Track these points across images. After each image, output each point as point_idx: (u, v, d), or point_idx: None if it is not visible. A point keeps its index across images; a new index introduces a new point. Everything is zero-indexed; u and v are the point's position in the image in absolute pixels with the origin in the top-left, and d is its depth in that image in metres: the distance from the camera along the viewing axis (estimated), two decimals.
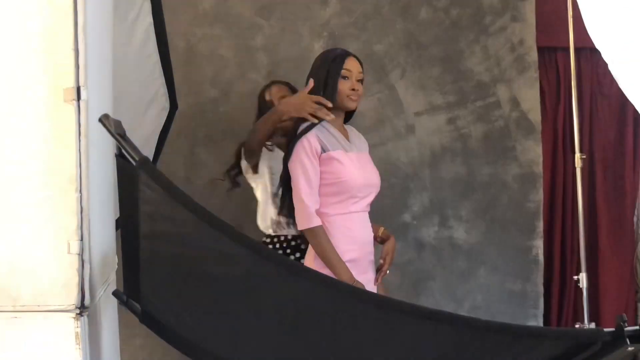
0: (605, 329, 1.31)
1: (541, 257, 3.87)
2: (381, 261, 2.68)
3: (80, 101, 1.47)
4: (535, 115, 3.84)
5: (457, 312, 3.73)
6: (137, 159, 1.34)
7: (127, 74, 2.70)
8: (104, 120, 1.37)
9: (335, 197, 2.54)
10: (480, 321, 1.38)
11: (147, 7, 2.72)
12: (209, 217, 1.29)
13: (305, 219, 2.48)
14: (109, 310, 1.96)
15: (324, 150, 2.53)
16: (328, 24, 3.70)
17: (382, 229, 2.75)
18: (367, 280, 2.58)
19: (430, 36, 3.77)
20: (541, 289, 3.89)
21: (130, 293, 1.65)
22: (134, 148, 1.33)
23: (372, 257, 2.66)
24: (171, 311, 1.61)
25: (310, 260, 2.54)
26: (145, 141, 2.98)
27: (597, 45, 2.76)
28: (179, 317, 1.61)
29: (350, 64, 2.61)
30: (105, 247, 1.87)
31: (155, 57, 2.89)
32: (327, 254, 2.46)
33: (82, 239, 1.49)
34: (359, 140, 2.77)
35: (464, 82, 3.80)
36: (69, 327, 1.48)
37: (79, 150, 1.48)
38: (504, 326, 1.36)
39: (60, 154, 1.48)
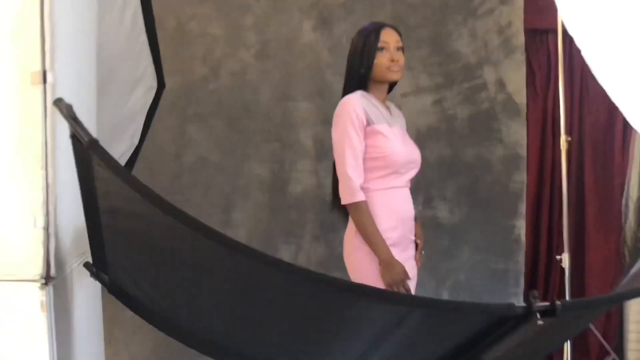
0: (518, 304, 1.41)
1: (523, 237, 3.94)
2: (417, 241, 2.65)
3: (47, 84, 1.57)
4: (520, 97, 3.90)
5: (439, 290, 3.85)
6: (86, 139, 1.43)
7: (117, 55, 2.80)
8: (57, 104, 1.47)
9: (377, 171, 2.50)
10: (403, 296, 1.47)
11: None
12: (152, 196, 1.38)
13: (350, 193, 2.44)
14: (85, 282, 2.07)
15: (369, 123, 2.49)
16: (317, 4, 3.76)
17: None
18: (407, 257, 2.56)
19: (418, 18, 3.82)
20: (522, 268, 3.97)
21: (98, 265, 1.75)
22: (84, 130, 1.42)
23: (412, 235, 2.63)
24: (134, 282, 1.72)
25: (351, 236, 2.51)
26: (132, 118, 3.08)
27: (570, 32, 2.81)
28: (141, 288, 1.71)
29: (386, 36, 2.57)
30: (80, 221, 1.97)
31: (143, 37, 2.98)
32: (369, 231, 2.42)
33: (47, 214, 1.59)
34: (399, 116, 2.74)
35: (451, 63, 3.85)
36: (36, 296, 1.59)
37: (45, 130, 1.57)
38: (418, 299, 1.44)
39: (27, 134, 1.58)
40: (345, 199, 2.47)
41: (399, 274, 2.42)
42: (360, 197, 2.44)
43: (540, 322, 1.37)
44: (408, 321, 1.44)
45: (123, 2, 2.77)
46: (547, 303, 1.38)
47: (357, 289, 1.45)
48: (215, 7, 3.71)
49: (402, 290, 2.42)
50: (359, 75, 2.57)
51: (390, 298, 1.50)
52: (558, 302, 1.39)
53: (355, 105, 2.48)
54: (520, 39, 3.88)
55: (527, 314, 1.39)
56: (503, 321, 1.43)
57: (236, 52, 3.72)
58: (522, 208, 3.92)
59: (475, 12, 3.84)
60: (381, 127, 2.51)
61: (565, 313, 1.41)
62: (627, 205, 4.50)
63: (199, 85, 3.72)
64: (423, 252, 2.69)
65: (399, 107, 2.80)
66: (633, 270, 2.34)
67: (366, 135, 2.49)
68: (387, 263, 2.42)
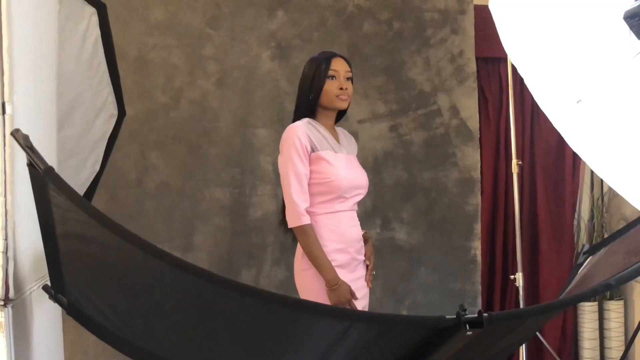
0: (447, 316, 1.52)
1: (479, 258, 4.06)
2: (367, 262, 2.74)
3: (5, 115, 1.64)
4: (473, 123, 4.05)
5: (399, 309, 3.95)
6: (42, 167, 1.51)
7: (79, 84, 2.88)
8: (14, 134, 1.54)
9: (323, 196, 2.60)
10: (341, 310, 1.56)
11: (95, 20, 2.89)
12: (106, 220, 1.46)
13: (295, 217, 2.54)
14: (45, 304, 2.13)
15: (313, 149, 2.59)
16: (275, 35, 3.88)
17: (362, 231, 2.78)
18: (355, 277, 2.65)
19: (374, 47, 3.96)
20: (479, 287, 4.08)
21: (57, 287, 1.81)
22: (40, 158, 1.50)
23: (362, 256, 2.71)
24: (92, 304, 1.78)
25: (299, 258, 2.61)
26: (94, 145, 3.14)
27: (513, 60, 2.93)
28: (99, 310, 1.77)
29: (337, 64, 2.66)
30: (39, 245, 2.03)
31: (104, 66, 3.06)
32: (314, 252, 2.52)
33: (6, 239, 1.66)
34: (349, 142, 2.82)
35: (406, 91, 3.99)
36: None
37: (4, 159, 1.65)
38: (355, 314, 1.54)
39: None
40: (291, 223, 2.57)
41: (344, 294, 2.53)
42: (305, 220, 2.54)
43: (469, 333, 1.48)
44: (350, 335, 1.53)
45: (83, 32, 2.85)
46: (474, 315, 1.49)
47: (298, 304, 1.54)
48: (176, 37, 3.81)
49: None
50: (307, 102, 2.67)
51: (330, 313, 1.59)
52: (485, 314, 1.50)
53: (299, 133, 2.57)
54: (472, 67, 4.04)
55: (457, 325, 1.49)
56: (437, 333, 1.53)
57: (196, 80, 3.82)
58: (478, 229, 4.05)
59: (428, 42, 4.00)
60: (325, 153, 2.61)
61: (492, 324, 1.52)
62: (578, 225, 4.67)
63: (160, 113, 3.80)
64: (374, 273, 2.79)
65: (355, 133, 2.90)
66: (571, 285, 2.47)
67: (311, 162, 2.59)
68: (332, 284, 2.52)
